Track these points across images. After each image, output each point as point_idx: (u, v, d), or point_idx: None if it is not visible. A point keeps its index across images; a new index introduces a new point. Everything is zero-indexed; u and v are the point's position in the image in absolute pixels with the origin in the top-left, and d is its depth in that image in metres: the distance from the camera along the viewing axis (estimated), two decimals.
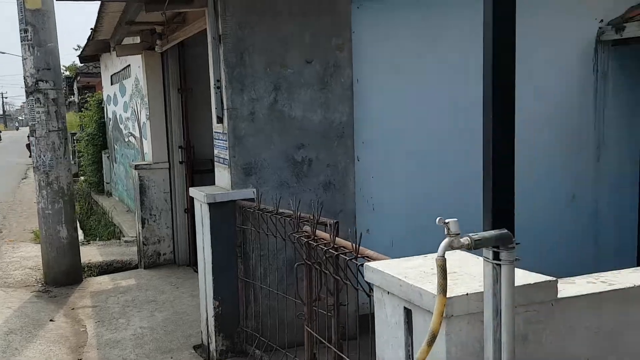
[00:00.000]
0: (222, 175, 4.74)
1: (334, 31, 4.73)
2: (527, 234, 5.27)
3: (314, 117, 4.71)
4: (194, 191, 4.80)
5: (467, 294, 1.87)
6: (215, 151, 4.87)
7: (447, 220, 1.70)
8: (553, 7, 5.45)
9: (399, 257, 2.30)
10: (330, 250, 2.87)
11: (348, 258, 2.72)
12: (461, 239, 1.71)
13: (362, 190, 4.92)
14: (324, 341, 3.16)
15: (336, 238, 3.01)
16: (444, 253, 1.68)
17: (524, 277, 1.98)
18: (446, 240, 1.69)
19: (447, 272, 2.08)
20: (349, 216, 4.78)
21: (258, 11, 4.54)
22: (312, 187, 4.70)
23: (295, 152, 4.67)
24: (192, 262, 7.39)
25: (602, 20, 5.61)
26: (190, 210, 7.27)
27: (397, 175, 5.06)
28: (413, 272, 2.09)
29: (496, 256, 1.76)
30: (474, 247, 1.72)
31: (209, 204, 4.44)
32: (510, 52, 1.74)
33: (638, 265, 2.64)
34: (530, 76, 5.33)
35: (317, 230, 3.18)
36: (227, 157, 4.55)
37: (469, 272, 2.06)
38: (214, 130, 4.84)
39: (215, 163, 4.94)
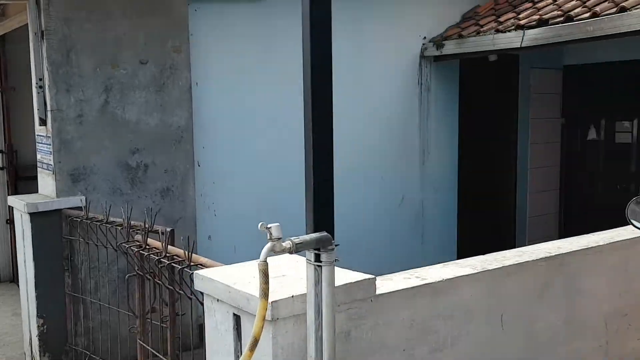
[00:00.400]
0: (46, 182, 4.35)
1: (170, 32, 4.60)
2: (361, 234, 5.64)
3: (150, 121, 4.53)
4: (13, 200, 4.35)
5: (292, 296, 1.92)
6: (39, 156, 4.46)
7: (269, 226, 1.73)
8: (384, 24, 5.86)
9: (241, 263, 2.31)
10: (162, 259, 2.77)
11: (181, 267, 2.64)
12: (283, 243, 1.75)
13: (203, 196, 4.84)
14: (157, 354, 3.04)
15: (170, 246, 2.92)
16: (266, 258, 1.71)
17: (345, 276, 2.08)
18: (268, 245, 1.72)
19: (278, 275, 2.13)
20: (189, 223, 4.66)
21: (87, 8, 4.25)
22: (148, 194, 4.51)
23: (130, 157, 4.45)
24: (15, 278, 6.67)
25: (425, 37, 6.16)
26: (12, 221, 6.56)
27: (240, 180, 5.06)
28: (243, 277, 2.10)
29: (317, 258, 1.83)
30: (296, 250, 1.77)
31: (30, 214, 4.06)
32: (327, 62, 1.83)
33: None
34: (364, 88, 5.70)
35: (149, 239, 3.06)
36: (52, 163, 4.19)
37: (298, 275, 2.12)
38: (36, 133, 4.44)
39: (38, 169, 4.52)
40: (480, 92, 6.53)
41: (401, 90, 6.03)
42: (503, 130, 6.67)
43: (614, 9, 4.67)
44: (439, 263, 2.63)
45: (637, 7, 4.50)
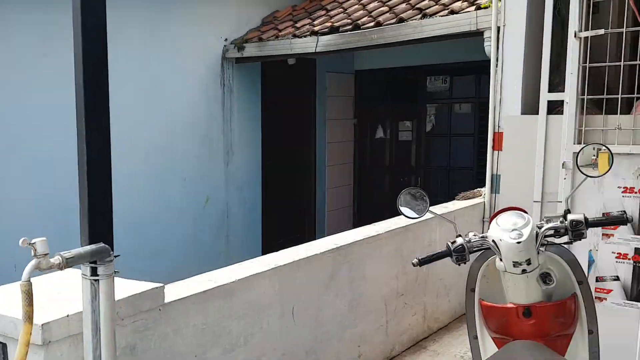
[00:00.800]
0: None
1: None
2: (163, 240, 5.48)
3: None
4: None
5: (67, 316, 1.79)
6: None
7: (33, 241, 1.58)
8: (182, 24, 5.74)
9: (9, 284, 2.07)
10: None
11: None
12: (51, 259, 1.61)
13: None
14: None
15: None
16: (29, 277, 1.56)
17: (129, 288, 2.00)
18: (32, 262, 1.57)
19: (53, 293, 1.96)
20: None
21: None
22: None
23: None
24: None
25: (226, 39, 6.19)
26: None
27: (17, 189, 4.55)
28: (10, 300, 1.89)
29: (94, 272, 1.73)
30: (67, 265, 1.64)
31: None
32: (102, 61, 1.72)
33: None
34: (164, 90, 5.54)
35: None
36: None
37: (76, 292, 1.97)
38: None
39: None
40: (281, 94, 6.76)
41: (204, 91, 5.98)
42: (302, 130, 7.00)
43: (394, 20, 5.19)
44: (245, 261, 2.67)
45: (413, 18, 5.06)
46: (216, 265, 3.25)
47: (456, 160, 6.90)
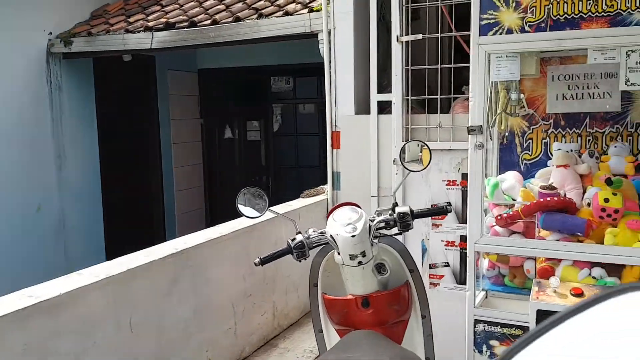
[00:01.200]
0: None
1: None
2: None
3: None
4: None
5: None
6: None
7: None
8: (1, 17, 5.15)
9: None
10: None
11: None
12: None
13: None
14: None
15: None
16: None
17: None
18: None
19: None
20: None
21: None
22: None
23: None
24: None
25: (51, 33, 5.67)
26: None
27: None
28: None
29: None
30: None
31: None
32: None
33: None
34: None
35: None
36: None
37: None
38: None
39: None
40: (119, 93, 6.37)
41: (28, 90, 5.42)
42: (145, 131, 6.67)
43: (231, 18, 5.14)
44: None
45: (250, 18, 5.05)
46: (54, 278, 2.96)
47: (304, 159, 7.06)
